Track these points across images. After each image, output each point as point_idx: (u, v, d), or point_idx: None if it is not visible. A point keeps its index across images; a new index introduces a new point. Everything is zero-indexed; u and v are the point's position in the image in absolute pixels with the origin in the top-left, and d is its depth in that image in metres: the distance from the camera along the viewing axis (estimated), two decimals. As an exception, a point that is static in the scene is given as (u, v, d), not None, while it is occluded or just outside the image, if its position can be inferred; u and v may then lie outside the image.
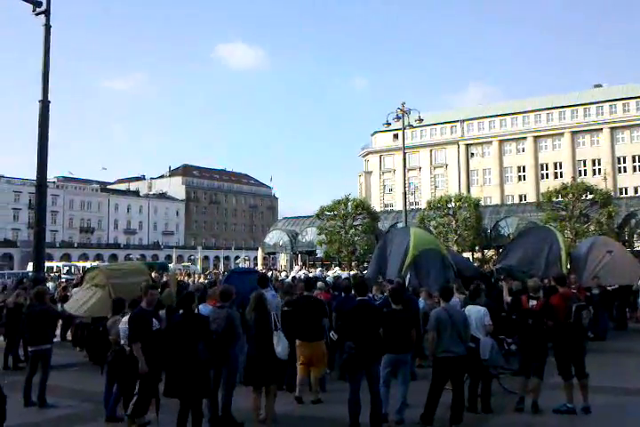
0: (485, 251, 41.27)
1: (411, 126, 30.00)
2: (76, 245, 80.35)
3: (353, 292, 8.78)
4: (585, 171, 60.62)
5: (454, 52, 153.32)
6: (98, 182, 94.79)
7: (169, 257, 75.64)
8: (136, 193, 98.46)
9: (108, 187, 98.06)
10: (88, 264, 43.97)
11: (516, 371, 8.43)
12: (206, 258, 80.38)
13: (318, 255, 45.44)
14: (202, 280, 19.52)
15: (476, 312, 7.77)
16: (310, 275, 21.95)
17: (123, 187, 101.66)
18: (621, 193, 55.14)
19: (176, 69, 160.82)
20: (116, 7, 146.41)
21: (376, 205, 58.10)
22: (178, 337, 6.18)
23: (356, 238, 41.38)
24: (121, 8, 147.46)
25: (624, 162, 59.30)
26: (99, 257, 74.15)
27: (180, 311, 6.58)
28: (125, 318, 7.19)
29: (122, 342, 7.17)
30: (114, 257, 77.95)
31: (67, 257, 70.43)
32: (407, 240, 13.72)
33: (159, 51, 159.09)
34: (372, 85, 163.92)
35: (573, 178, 50.18)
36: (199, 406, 6.08)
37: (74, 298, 12.42)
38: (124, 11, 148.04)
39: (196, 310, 9.35)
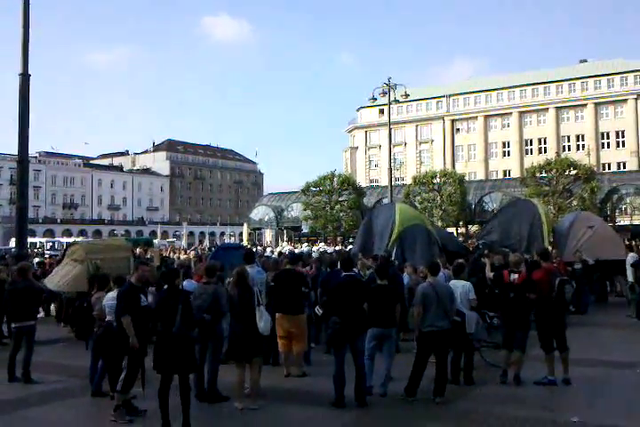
0: (469, 226, 41.58)
1: (396, 101, 29.85)
2: (59, 220, 79.64)
3: (338, 267, 8.82)
4: (569, 146, 60.97)
5: (441, 25, 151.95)
6: (80, 157, 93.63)
7: (154, 233, 75.32)
8: (119, 168, 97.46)
9: (91, 162, 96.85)
10: (71, 240, 43.63)
11: (497, 344, 8.59)
12: (191, 234, 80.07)
13: (304, 231, 45.53)
14: (185, 256, 19.45)
15: (461, 287, 7.90)
16: (296, 251, 22.01)
17: (106, 162, 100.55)
18: (604, 168, 55.62)
19: (161, 43, 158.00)
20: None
21: (362, 181, 58.10)
22: (162, 312, 6.18)
23: (341, 214, 41.47)
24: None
25: (607, 137, 59.69)
26: (82, 233, 73.68)
27: (165, 287, 6.56)
28: (111, 294, 7.17)
29: (107, 317, 7.16)
30: (98, 233, 77.42)
31: (50, 233, 69.87)
32: (393, 216, 13.75)
33: (144, 24, 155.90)
34: (359, 60, 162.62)
35: (557, 153, 50.49)
36: (186, 381, 6.11)
37: (53, 273, 12.38)
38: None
39: (181, 286, 9.41)
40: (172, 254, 21.22)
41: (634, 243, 21.42)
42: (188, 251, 24.78)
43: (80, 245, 12.72)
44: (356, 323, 6.91)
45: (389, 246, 13.12)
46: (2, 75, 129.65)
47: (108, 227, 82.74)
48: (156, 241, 50.77)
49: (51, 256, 22.74)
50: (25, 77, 13.32)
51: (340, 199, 42.17)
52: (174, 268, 7.44)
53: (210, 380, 7.08)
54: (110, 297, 7.11)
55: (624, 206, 38.84)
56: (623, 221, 37.60)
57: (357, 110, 73.84)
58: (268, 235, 51.36)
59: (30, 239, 32.58)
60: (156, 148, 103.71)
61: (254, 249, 20.19)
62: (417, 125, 69.58)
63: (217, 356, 7.19)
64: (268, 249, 25.64)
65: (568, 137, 61.67)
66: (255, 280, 8.02)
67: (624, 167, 55.68)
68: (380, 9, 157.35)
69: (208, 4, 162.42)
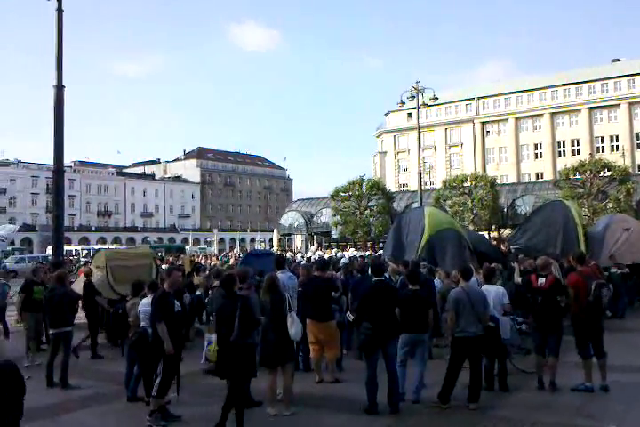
0: (502, 230, 41.07)
1: (425, 105, 29.69)
2: (93, 228, 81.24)
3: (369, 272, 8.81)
4: (603, 147, 59.76)
5: (469, 28, 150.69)
6: (113, 166, 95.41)
7: (185, 240, 76.27)
8: (151, 176, 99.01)
9: (124, 171, 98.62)
10: (106, 247, 44.47)
11: (528, 350, 8.48)
12: (222, 240, 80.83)
13: (334, 236, 45.53)
14: (216, 262, 19.64)
15: (494, 292, 7.81)
16: (326, 256, 22.02)
17: (138, 170, 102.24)
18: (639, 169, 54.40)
19: (189, 52, 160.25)
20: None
21: (391, 186, 57.90)
22: (221, 319, 6.32)
23: (371, 219, 41.39)
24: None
25: (643, 138, 58.33)
26: (116, 240, 74.98)
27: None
28: (145, 300, 7.28)
29: (142, 323, 7.27)
30: (131, 240, 78.73)
31: (85, 240, 71.26)
32: (422, 221, 13.64)
33: (172, 34, 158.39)
34: (386, 65, 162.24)
35: (591, 155, 49.50)
36: (239, 388, 6.14)
37: (77, 280, 12.72)
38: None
39: (210, 293, 9.50)
40: (203, 261, 21.45)
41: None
42: (220, 257, 25.00)
43: (102, 253, 13.00)
44: (387, 329, 6.89)
45: (419, 251, 13.00)
46: (36, 86, 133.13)
47: (141, 234, 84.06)
48: (187, 248, 51.42)
49: (86, 263, 23.18)
50: (59, 89, 13.68)
51: (369, 204, 42.10)
52: (231, 274, 7.58)
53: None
54: (145, 303, 7.21)
55: (661, 208, 37.87)
56: (661, 223, 36.65)
57: (386, 115, 73.68)
58: (298, 240, 51.53)
59: (66, 247, 33.30)
60: (187, 155, 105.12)
61: (284, 255, 20.28)
62: (446, 129, 69.06)
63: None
64: (299, 255, 25.70)
65: (602, 138, 60.47)
66: (287, 286, 8.05)
67: (661, 168, 54.35)
68: (407, 13, 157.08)
69: (235, 12, 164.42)
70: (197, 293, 11.40)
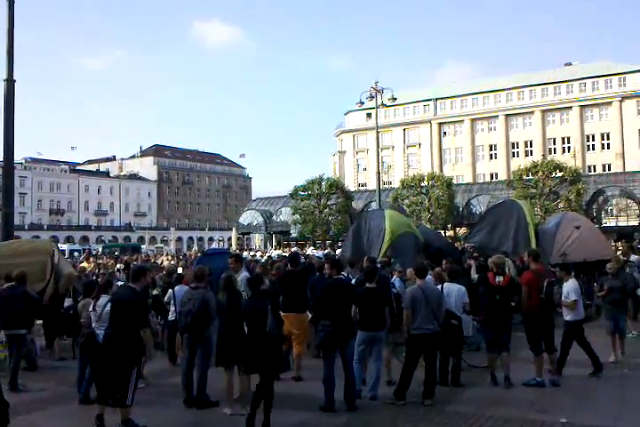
0: (457, 229, 41.79)
1: (384, 105, 29.96)
2: (45, 227, 78.97)
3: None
4: (555, 149, 61.45)
5: (433, 29, 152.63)
6: (67, 163, 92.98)
7: (141, 239, 75.05)
8: (106, 174, 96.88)
9: (78, 168, 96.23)
10: (60, 246, 43.40)
11: (478, 346, 8.71)
12: (180, 239, 79.87)
13: (293, 235, 45.50)
14: (167, 261, 19.31)
15: (456, 290, 7.99)
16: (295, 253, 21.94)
17: (92, 168, 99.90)
18: (590, 170, 56.07)
19: (149, 48, 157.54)
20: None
21: (350, 185, 58.21)
22: (251, 316, 6.49)
23: (330, 218, 41.53)
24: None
25: (593, 140, 60.22)
26: (69, 239, 73.18)
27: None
28: (103, 301, 7.08)
29: (93, 325, 7.12)
30: (85, 239, 76.95)
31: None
32: (382, 224, 13.77)
33: (132, 29, 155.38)
34: (349, 65, 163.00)
35: (543, 156, 50.90)
36: (271, 382, 6.26)
37: None
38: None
39: (172, 291, 9.38)
40: (159, 261, 21.10)
41: (619, 244, 21.60)
42: (174, 257, 24.62)
43: None
44: (345, 327, 6.92)
45: (381, 255, 13.12)
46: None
47: (95, 233, 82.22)
48: (143, 247, 50.53)
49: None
50: (10, 83, 13.25)
51: (328, 203, 42.24)
52: (259, 273, 8.13)
53: (199, 385, 7.05)
54: (102, 304, 7.04)
55: (610, 208, 39.24)
56: (609, 222, 37.96)
57: (345, 114, 74.03)
58: (257, 239, 51.30)
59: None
60: (144, 153, 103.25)
61: (243, 254, 20.16)
62: (404, 129, 69.84)
63: (206, 361, 7.16)
64: (258, 253, 25.59)
65: (554, 139, 62.17)
66: (245, 285, 8.00)
67: (609, 169, 56.17)
68: (372, 12, 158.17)
69: (199, 9, 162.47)
70: (155, 292, 11.21)
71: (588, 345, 8.18)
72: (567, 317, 8.13)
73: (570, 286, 8.16)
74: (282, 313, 8.26)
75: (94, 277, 13.71)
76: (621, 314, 9.43)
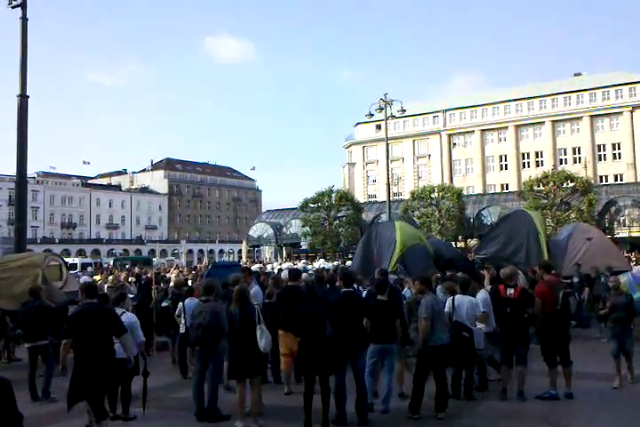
0: (468, 240, 41.63)
1: (393, 117, 30.04)
2: (57, 240, 79.41)
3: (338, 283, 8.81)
4: (566, 159, 61.20)
5: (441, 41, 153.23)
6: (79, 177, 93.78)
7: (152, 252, 75.21)
8: (118, 187, 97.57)
9: (90, 182, 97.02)
10: (70, 260, 43.65)
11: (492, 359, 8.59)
12: (190, 252, 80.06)
13: (303, 247, 45.53)
14: (175, 275, 19.24)
15: (467, 302, 7.81)
16: (295, 267, 21.92)
17: (104, 181, 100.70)
18: (601, 181, 55.81)
19: (161, 63, 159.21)
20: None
21: (360, 197, 58.26)
22: (310, 319, 6.76)
23: (340, 230, 41.54)
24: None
25: (604, 150, 59.92)
26: (81, 253, 73.50)
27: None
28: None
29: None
30: (96, 252, 77.26)
31: (49, 253, 69.58)
32: (393, 236, 13.75)
33: (145, 44, 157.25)
34: (358, 77, 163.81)
35: (554, 166, 50.70)
36: (327, 383, 6.62)
37: None
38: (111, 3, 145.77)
39: (182, 304, 9.39)
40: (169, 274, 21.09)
41: (632, 255, 21.41)
42: (184, 269, 24.62)
43: None
44: (356, 339, 6.89)
45: (392, 265, 13.10)
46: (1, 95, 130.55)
47: (106, 246, 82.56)
48: (154, 259, 50.68)
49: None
50: (23, 99, 13.46)
51: (338, 215, 42.26)
52: (312, 285, 8.39)
53: (210, 399, 7.04)
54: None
55: (622, 218, 38.96)
56: (621, 233, 37.66)
57: (355, 126, 74.25)
58: (267, 252, 51.33)
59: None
60: (155, 166, 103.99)
61: (253, 267, 20.14)
62: (414, 140, 69.89)
63: (217, 375, 7.16)
64: (269, 266, 25.57)
65: (565, 150, 61.94)
66: (257, 297, 8.02)
67: (621, 179, 55.85)
68: (380, 26, 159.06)
69: (211, 24, 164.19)
70: (164, 304, 11.23)
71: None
72: (482, 329, 7.91)
73: (480, 298, 7.95)
74: (281, 331, 8.10)
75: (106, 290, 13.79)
76: (628, 334, 8.41)
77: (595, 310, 11.01)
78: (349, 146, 74.71)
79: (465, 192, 47.19)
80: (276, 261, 34.53)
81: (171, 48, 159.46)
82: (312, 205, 42.97)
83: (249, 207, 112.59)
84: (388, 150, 31.24)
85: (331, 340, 6.66)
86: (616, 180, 56.38)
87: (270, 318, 7.88)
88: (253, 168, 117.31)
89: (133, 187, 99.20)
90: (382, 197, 53.47)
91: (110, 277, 19.12)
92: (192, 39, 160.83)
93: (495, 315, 7.89)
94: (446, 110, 68.53)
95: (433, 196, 41.18)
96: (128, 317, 7.04)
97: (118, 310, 7.04)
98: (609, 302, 8.53)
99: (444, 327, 7.02)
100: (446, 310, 7.71)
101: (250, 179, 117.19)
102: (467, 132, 67.12)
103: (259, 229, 50.04)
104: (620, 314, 8.37)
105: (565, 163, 59.42)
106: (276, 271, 19.45)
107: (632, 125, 58.02)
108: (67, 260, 43.32)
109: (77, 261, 43.58)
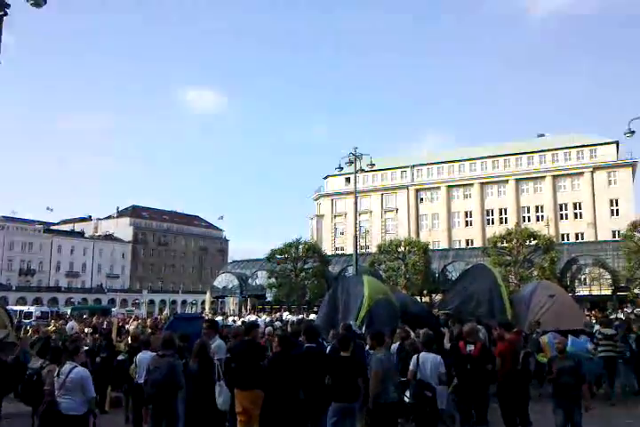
0: (433, 295, 41.69)
1: (362, 171, 30.54)
2: (14, 288, 76.88)
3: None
4: (529, 217, 62.70)
5: (412, 100, 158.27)
6: (41, 223, 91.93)
7: (112, 301, 73.30)
8: (81, 234, 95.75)
9: (52, 227, 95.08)
10: (25, 308, 42.18)
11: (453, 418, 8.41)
12: (152, 302, 78.23)
13: (268, 299, 44.90)
14: (133, 327, 18.70)
15: (431, 359, 7.61)
16: (259, 320, 21.57)
17: (67, 228, 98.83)
18: (563, 239, 57.13)
19: (131, 110, 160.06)
20: (75, 42, 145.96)
21: (327, 249, 58.30)
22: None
23: (306, 282, 41.24)
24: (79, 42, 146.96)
25: (565, 209, 61.67)
26: (37, 301, 71.02)
27: None
28: (65, 368, 6.81)
29: (56, 393, 6.80)
30: (54, 300, 74.81)
31: (3, 301, 67.14)
32: (362, 290, 13.71)
33: (113, 92, 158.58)
34: (330, 133, 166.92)
35: (517, 224, 51.78)
36: None
37: None
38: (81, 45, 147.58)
39: (136, 358, 9.06)
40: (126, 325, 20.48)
41: (592, 313, 21.67)
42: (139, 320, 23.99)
43: None
44: (319, 397, 6.69)
45: (360, 320, 12.97)
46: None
47: (64, 295, 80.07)
48: (114, 309, 49.27)
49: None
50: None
51: (305, 267, 42.06)
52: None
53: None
54: (66, 371, 6.75)
55: (583, 277, 39.67)
56: (582, 291, 38.25)
57: (324, 178, 75.22)
58: (232, 303, 50.43)
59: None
60: (120, 213, 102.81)
61: (218, 319, 19.71)
62: (382, 194, 70.98)
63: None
64: (231, 318, 25.07)
65: (528, 208, 63.56)
66: (220, 351, 7.78)
67: (582, 238, 57.29)
68: (355, 84, 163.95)
69: (184, 75, 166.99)
70: (120, 357, 10.83)
71: None
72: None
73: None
74: (236, 390, 7.58)
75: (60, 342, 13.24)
76: (575, 404, 7.26)
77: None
78: (318, 198, 75.39)
79: (431, 247, 47.64)
80: (240, 312, 33.87)
81: (142, 97, 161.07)
82: (279, 257, 42.76)
83: (215, 257, 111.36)
84: (356, 203, 31.61)
85: (298, 398, 6.43)
86: (577, 238, 57.81)
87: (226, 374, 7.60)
88: (221, 217, 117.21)
89: (97, 234, 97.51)
90: (349, 249, 53.58)
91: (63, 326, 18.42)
92: (162, 89, 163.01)
93: (455, 372, 7.78)
94: (414, 166, 70.18)
95: (400, 249, 41.49)
96: (79, 371, 6.72)
97: (68, 365, 6.74)
98: (554, 367, 7.51)
99: (393, 385, 6.79)
100: (411, 367, 7.60)
101: (217, 228, 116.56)
102: (433, 187, 68.58)
103: (224, 280, 49.32)
104: (567, 380, 7.31)
105: (528, 220, 60.82)
106: (238, 324, 19.06)
107: (592, 186, 60.08)
108: (22, 308, 42.07)
109: (33, 309, 42.05)
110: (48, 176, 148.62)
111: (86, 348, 11.41)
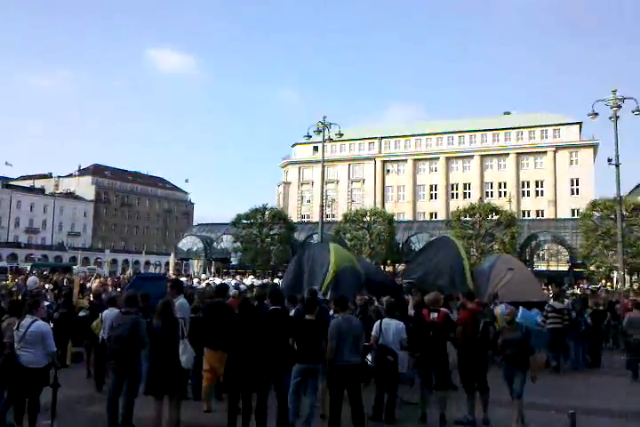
0: (397, 265, 42.37)
1: (330, 140, 30.33)
2: (-29, 243, 75.11)
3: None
4: (492, 193, 63.78)
5: (381, 71, 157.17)
6: (0, 178, 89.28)
7: (74, 259, 72.32)
8: (41, 191, 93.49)
9: (11, 183, 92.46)
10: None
11: (412, 382, 8.67)
12: (115, 262, 77.37)
13: (233, 263, 44.95)
14: (96, 284, 18.59)
15: (394, 326, 7.86)
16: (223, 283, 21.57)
17: (27, 184, 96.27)
18: (524, 215, 58.35)
19: (96, 68, 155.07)
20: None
21: (293, 216, 58.32)
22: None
23: (271, 247, 41.35)
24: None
25: (528, 186, 62.88)
26: (-4, 256, 69.59)
27: None
28: (25, 321, 6.75)
29: (16, 345, 6.74)
30: (13, 256, 73.36)
31: (-41, 256, 65.60)
32: (328, 257, 13.81)
33: (82, 48, 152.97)
34: (297, 99, 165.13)
35: (481, 199, 52.70)
36: (250, 401, 6.50)
37: None
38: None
39: (101, 315, 9.03)
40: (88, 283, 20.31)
41: (550, 288, 22.37)
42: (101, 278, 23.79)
43: None
44: (281, 358, 6.80)
45: (325, 286, 13.11)
46: None
47: (24, 251, 78.45)
48: (75, 267, 48.69)
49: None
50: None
51: (270, 233, 42.10)
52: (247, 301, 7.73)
53: (124, 415, 6.74)
54: (26, 324, 6.69)
55: (541, 252, 40.80)
56: (540, 266, 39.39)
57: (292, 146, 74.73)
58: (196, 266, 50.33)
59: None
60: (82, 172, 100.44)
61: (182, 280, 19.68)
62: (349, 164, 71.02)
63: (133, 390, 6.87)
64: (195, 280, 25.06)
65: (491, 184, 64.58)
66: (183, 311, 7.80)
67: (542, 215, 58.65)
68: (326, 51, 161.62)
69: (152, 35, 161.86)
70: (82, 313, 10.80)
71: None
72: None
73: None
74: (205, 349, 7.92)
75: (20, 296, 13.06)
76: (518, 374, 7.46)
77: None
78: (286, 165, 75.00)
79: (396, 218, 48.11)
80: (205, 275, 33.87)
81: (107, 55, 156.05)
82: (245, 222, 42.67)
83: (180, 220, 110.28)
84: (323, 172, 31.53)
85: (258, 357, 6.52)
86: (537, 215, 59.17)
87: (196, 333, 7.66)
88: (187, 180, 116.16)
89: (58, 191, 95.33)
90: (315, 217, 53.79)
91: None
92: (131, 48, 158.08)
93: (418, 338, 7.96)
94: (382, 138, 70.24)
95: (365, 219, 41.80)
96: (39, 325, 6.67)
97: (28, 319, 6.68)
98: (500, 338, 7.79)
99: (354, 349, 6.95)
100: (374, 333, 7.78)
101: (183, 191, 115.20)
102: (400, 160, 68.90)
103: (189, 243, 49.09)
104: (511, 351, 7.53)
105: (491, 196, 61.88)
106: (203, 285, 19.11)
107: (555, 165, 61.28)
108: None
109: None
110: (7, 131, 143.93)
111: (47, 303, 11.33)
